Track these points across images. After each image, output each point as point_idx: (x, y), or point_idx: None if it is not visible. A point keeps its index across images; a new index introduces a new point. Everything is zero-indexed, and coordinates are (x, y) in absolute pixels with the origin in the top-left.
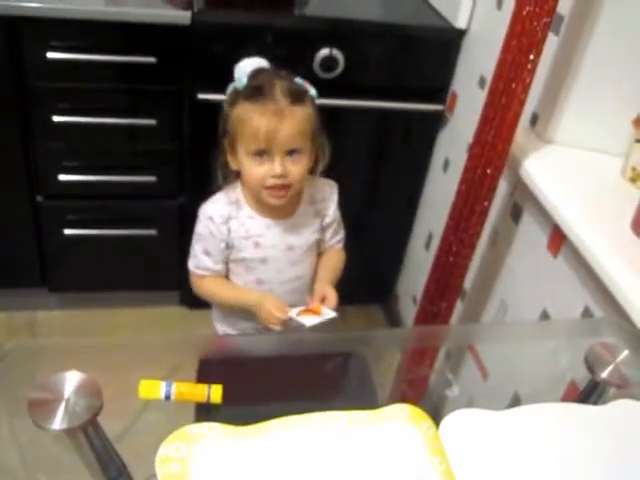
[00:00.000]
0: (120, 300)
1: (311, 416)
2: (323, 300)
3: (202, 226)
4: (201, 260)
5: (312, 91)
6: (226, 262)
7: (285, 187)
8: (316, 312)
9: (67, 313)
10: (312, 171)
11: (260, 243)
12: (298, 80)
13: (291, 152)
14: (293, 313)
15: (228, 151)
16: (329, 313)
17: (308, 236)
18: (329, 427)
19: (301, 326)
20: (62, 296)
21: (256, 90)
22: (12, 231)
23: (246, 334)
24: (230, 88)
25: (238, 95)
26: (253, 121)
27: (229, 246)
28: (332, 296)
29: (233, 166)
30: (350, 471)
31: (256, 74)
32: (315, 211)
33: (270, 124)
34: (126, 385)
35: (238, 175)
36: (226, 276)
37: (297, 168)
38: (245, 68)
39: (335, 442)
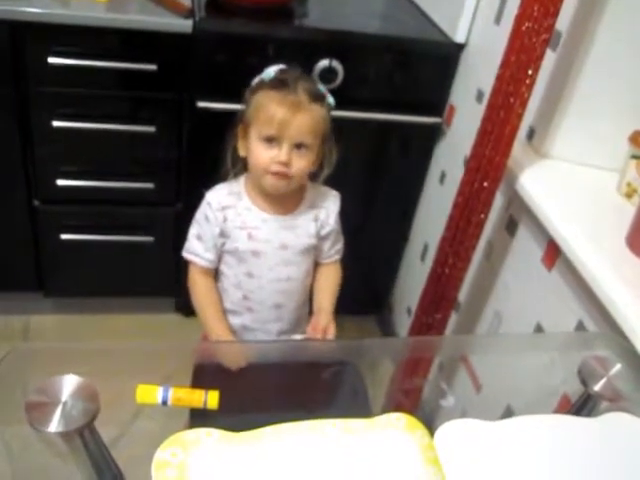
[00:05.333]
0: (115, 306)
1: (306, 423)
2: (325, 333)
3: (200, 211)
4: (192, 244)
5: (330, 99)
6: (218, 252)
7: (286, 176)
8: None
9: (62, 318)
10: (315, 177)
11: (254, 235)
12: (320, 86)
13: (299, 146)
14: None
15: (240, 136)
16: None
17: (304, 238)
18: (325, 434)
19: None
20: (57, 301)
21: (280, 82)
22: (8, 235)
23: (239, 341)
24: (256, 79)
25: (262, 84)
26: (271, 107)
27: (223, 234)
28: (332, 331)
29: (241, 152)
30: (346, 478)
31: (284, 71)
32: (314, 216)
33: (286, 114)
34: (120, 390)
35: (244, 166)
36: (216, 272)
37: (301, 162)
38: (274, 67)
39: (331, 449)
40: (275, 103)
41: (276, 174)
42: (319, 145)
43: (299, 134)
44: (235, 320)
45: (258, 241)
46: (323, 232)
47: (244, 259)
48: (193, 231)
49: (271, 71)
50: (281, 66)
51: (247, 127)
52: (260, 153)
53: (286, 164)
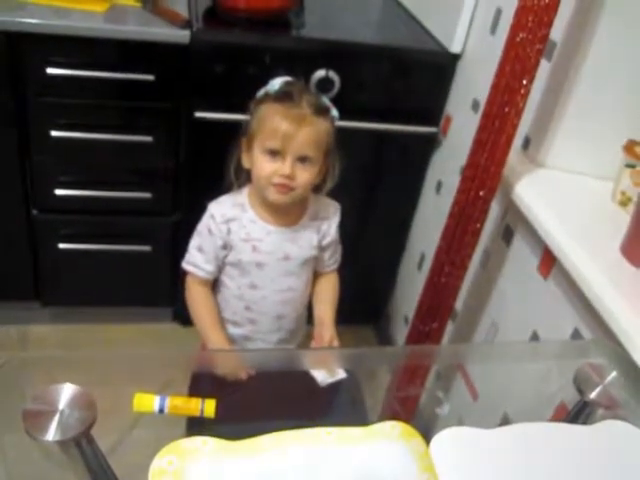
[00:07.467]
0: (113, 316)
1: (303, 432)
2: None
3: (202, 224)
4: (192, 256)
5: (334, 112)
6: (219, 264)
7: (289, 189)
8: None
9: (59, 328)
10: (318, 189)
11: (258, 247)
12: (325, 99)
13: (302, 159)
14: None
15: (244, 149)
16: (341, 373)
17: (306, 250)
18: (321, 443)
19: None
20: (55, 310)
21: (285, 94)
22: (6, 244)
23: (237, 350)
24: (261, 91)
25: (267, 97)
26: (275, 120)
27: (227, 246)
28: (336, 344)
29: (245, 164)
30: None
31: (289, 83)
32: (317, 228)
33: (290, 127)
34: (117, 399)
35: (248, 178)
36: (214, 284)
37: (304, 175)
38: (279, 80)
39: (326, 458)
40: (279, 116)
41: (279, 186)
42: (322, 158)
43: (303, 147)
44: (236, 330)
45: (262, 253)
46: (324, 243)
47: (247, 271)
48: (194, 243)
49: (276, 83)
50: (286, 78)
51: (251, 139)
52: (263, 165)
53: (289, 177)
